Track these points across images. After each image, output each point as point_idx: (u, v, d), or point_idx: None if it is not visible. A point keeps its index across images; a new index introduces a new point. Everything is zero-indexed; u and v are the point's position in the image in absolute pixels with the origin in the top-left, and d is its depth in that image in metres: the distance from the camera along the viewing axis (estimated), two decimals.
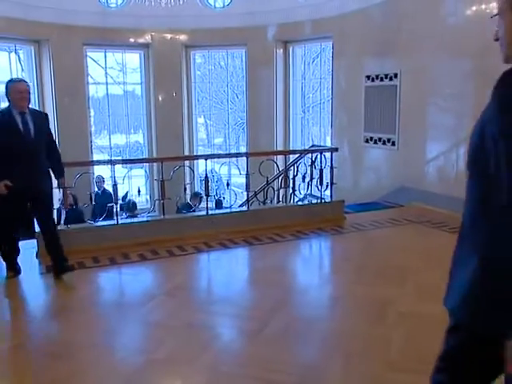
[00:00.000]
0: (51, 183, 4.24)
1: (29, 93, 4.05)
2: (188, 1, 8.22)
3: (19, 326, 3.44)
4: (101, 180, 8.64)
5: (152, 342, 3.13)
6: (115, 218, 5.12)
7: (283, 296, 3.80)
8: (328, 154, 6.31)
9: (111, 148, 10.60)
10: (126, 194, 8.75)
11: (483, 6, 5.81)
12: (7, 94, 3.99)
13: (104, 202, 5.80)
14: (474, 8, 5.97)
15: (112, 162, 5.33)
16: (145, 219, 5.61)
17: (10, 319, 3.61)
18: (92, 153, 9.86)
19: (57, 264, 4.13)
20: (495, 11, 1.33)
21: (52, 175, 4.23)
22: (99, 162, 6.59)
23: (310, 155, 6.61)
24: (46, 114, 4.38)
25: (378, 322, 3.30)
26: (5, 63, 8.94)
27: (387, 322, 3.28)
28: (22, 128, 3.94)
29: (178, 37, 9.64)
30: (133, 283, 4.22)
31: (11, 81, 4.11)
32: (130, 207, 7.14)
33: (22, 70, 9.21)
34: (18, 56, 9.14)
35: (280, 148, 9.38)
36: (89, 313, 3.57)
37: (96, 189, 8.53)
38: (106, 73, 10.19)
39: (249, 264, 5.10)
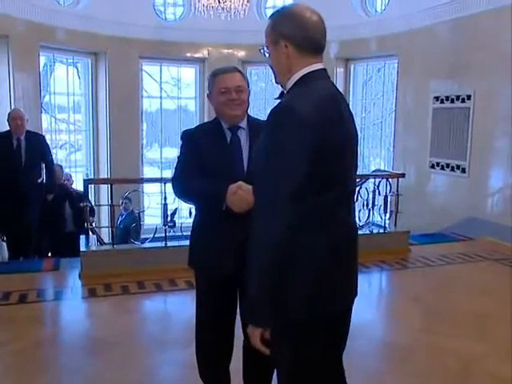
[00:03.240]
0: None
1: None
2: (247, 16, 7.95)
3: (51, 356, 3.12)
4: (128, 202, 7.55)
5: None
6: (164, 240, 4.80)
7: None
8: (393, 180, 5.81)
9: (162, 162, 10.44)
10: (175, 211, 8.44)
11: None
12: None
13: (128, 225, 5.47)
14: None
15: (163, 180, 5.03)
16: None
17: (43, 349, 3.30)
18: (142, 165, 9.71)
19: None
20: None
21: None
22: (149, 180, 6.32)
23: (373, 180, 6.12)
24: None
25: None
26: (63, 75, 8.96)
27: None
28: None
29: (235, 52, 9.41)
30: (179, 315, 3.83)
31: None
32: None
33: (80, 82, 9.22)
34: (77, 68, 9.15)
35: None
36: (127, 348, 3.21)
37: (122, 210, 7.52)
38: (161, 87, 10.07)
39: None
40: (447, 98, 6.95)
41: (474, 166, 6.65)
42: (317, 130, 1.48)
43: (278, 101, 1.62)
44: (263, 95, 10.45)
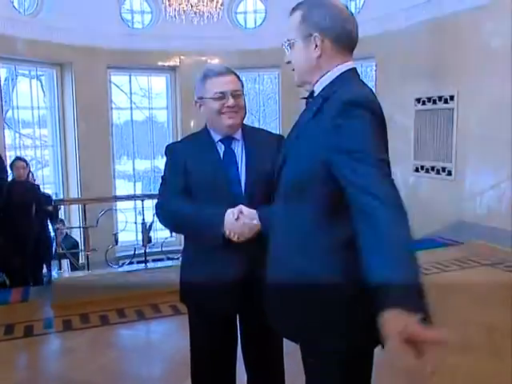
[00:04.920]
0: None
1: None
2: (218, 22, 7.67)
3: None
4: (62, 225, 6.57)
5: None
6: (144, 261, 4.44)
7: None
8: None
9: (134, 175, 10.04)
10: (150, 226, 8.03)
11: None
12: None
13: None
14: None
15: (138, 198, 4.66)
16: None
17: None
18: (114, 179, 9.29)
19: None
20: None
21: None
22: (125, 198, 5.97)
23: None
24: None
25: None
26: (26, 89, 8.49)
27: None
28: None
29: (207, 59, 9.10)
30: (165, 347, 3.47)
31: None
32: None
33: (44, 95, 8.76)
34: (41, 82, 8.69)
35: None
36: None
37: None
38: (131, 98, 9.67)
39: None
40: (429, 100, 6.78)
41: (459, 167, 6.49)
42: (385, 129, 1.44)
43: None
44: None
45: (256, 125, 9.52)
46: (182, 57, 9.03)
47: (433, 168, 6.87)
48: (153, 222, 4.65)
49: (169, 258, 6.04)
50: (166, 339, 3.57)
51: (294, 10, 1.49)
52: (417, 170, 7.13)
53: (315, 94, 1.49)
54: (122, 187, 10.17)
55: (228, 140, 1.97)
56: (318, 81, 1.48)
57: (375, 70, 7.83)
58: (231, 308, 1.93)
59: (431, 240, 6.39)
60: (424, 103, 6.89)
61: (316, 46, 1.43)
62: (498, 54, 5.79)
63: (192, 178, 1.92)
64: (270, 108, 10.15)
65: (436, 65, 6.67)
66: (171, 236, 5.59)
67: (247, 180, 1.91)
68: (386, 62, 7.48)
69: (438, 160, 6.76)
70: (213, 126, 1.98)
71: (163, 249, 5.50)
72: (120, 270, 4.47)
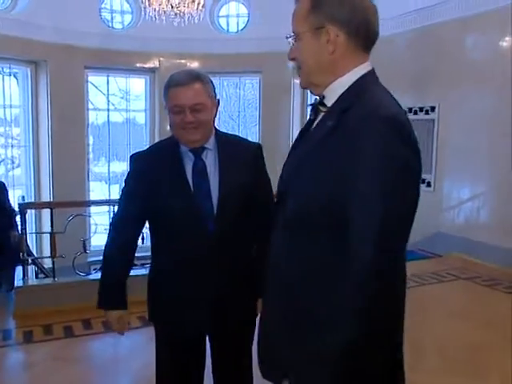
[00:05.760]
0: None
1: None
2: (199, 24, 7.52)
3: None
4: None
5: None
6: None
7: None
8: None
9: (110, 177, 9.80)
10: None
11: None
12: None
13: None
14: None
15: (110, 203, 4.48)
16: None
17: None
18: (89, 181, 9.04)
19: None
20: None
21: None
22: (97, 202, 5.75)
23: None
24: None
25: None
26: None
27: None
28: None
29: (186, 62, 8.94)
30: (133, 362, 3.30)
31: None
32: None
33: (19, 93, 8.47)
34: (16, 78, 8.41)
35: None
36: None
37: None
38: (108, 99, 9.45)
39: None
40: (410, 110, 6.73)
41: (439, 179, 6.45)
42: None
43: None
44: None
45: (236, 130, 9.38)
46: (161, 59, 8.86)
47: None
48: None
49: (142, 265, 5.84)
50: (134, 353, 3.40)
51: None
52: None
53: (328, 102, 1.23)
54: (98, 189, 9.94)
55: (198, 150, 1.79)
56: (330, 84, 1.23)
57: None
58: (201, 327, 1.83)
59: (411, 252, 6.33)
60: (405, 114, 6.83)
61: (328, 40, 1.18)
62: (480, 66, 5.77)
63: (157, 194, 1.77)
64: (251, 113, 10.03)
65: (418, 75, 6.64)
66: (143, 243, 5.39)
67: (220, 195, 1.75)
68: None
69: None
70: (177, 137, 1.82)
71: (136, 255, 5.30)
72: (88, 277, 4.26)
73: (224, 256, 1.74)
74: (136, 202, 1.80)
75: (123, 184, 1.90)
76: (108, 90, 9.40)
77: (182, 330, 1.81)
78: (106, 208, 6.66)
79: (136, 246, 1.92)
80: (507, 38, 5.51)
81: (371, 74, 1.24)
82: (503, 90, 5.41)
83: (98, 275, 4.25)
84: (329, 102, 1.22)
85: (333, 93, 1.22)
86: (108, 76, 9.24)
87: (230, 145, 1.84)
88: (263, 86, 8.86)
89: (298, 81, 7.90)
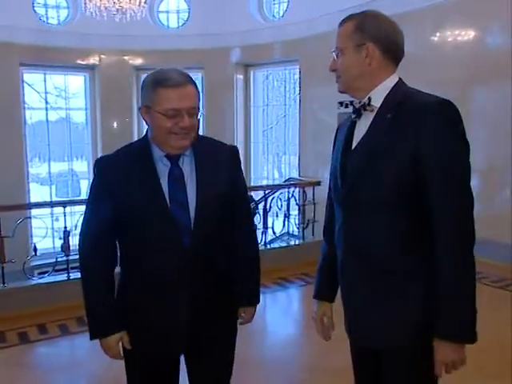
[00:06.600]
0: None
1: None
2: (140, 20, 7.43)
3: None
4: None
5: None
6: (66, 271, 4.17)
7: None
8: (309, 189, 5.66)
9: (50, 178, 9.48)
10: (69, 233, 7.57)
11: (477, 33, 5.43)
12: None
13: None
14: (468, 33, 5.57)
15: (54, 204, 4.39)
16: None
17: None
18: (28, 183, 8.72)
19: None
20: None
21: None
22: (40, 204, 5.57)
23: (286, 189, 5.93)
24: None
25: None
26: None
27: None
28: None
29: (128, 58, 8.79)
30: (92, 365, 3.27)
31: None
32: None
33: None
34: None
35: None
36: None
37: None
38: (46, 98, 9.13)
39: None
40: (351, 103, 6.96)
41: None
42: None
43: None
44: None
45: None
46: (102, 55, 8.67)
47: None
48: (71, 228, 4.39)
49: None
50: (93, 356, 3.35)
51: (346, 20, 1.54)
52: None
53: (376, 103, 1.51)
54: (38, 191, 9.58)
55: (174, 156, 1.63)
56: (374, 88, 1.51)
57: (299, 73, 7.93)
58: (175, 352, 1.75)
59: None
60: (347, 106, 6.99)
61: (367, 55, 1.48)
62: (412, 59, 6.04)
63: (126, 206, 1.60)
64: None
65: None
66: None
67: (197, 205, 1.61)
68: (311, 66, 7.58)
69: None
70: (158, 143, 1.63)
71: None
72: (40, 281, 4.16)
73: (199, 273, 1.63)
74: (106, 215, 1.62)
75: (89, 191, 1.74)
76: (45, 88, 9.08)
77: (155, 358, 1.72)
78: (47, 210, 6.47)
79: (116, 262, 1.73)
80: (438, 34, 5.82)
81: (402, 81, 1.55)
82: (440, 84, 5.72)
83: (48, 279, 4.18)
84: (376, 103, 1.51)
85: (379, 95, 1.51)
86: (45, 73, 8.93)
87: (206, 148, 1.70)
88: (206, 81, 8.86)
89: (241, 76, 7.95)
